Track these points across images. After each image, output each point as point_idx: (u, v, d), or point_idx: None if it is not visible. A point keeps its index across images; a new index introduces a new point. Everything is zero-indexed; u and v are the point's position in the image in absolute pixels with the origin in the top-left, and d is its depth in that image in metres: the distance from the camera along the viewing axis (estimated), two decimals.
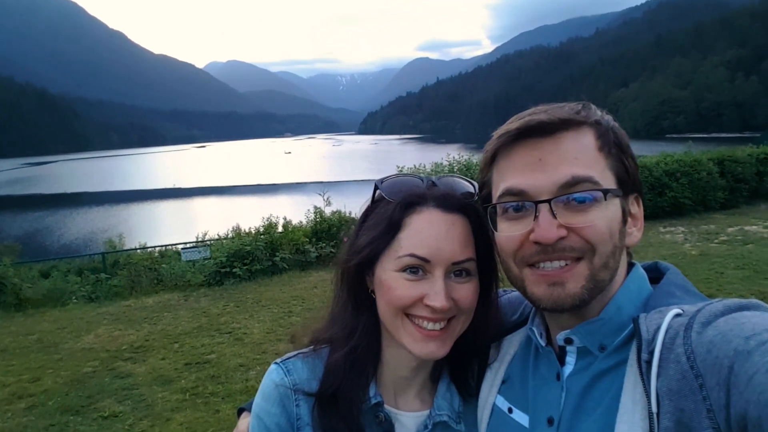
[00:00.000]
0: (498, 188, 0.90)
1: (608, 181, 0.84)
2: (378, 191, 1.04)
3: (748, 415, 0.62)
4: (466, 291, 0.97)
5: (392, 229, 0.98)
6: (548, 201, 0.83)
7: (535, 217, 0.84)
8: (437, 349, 0.96)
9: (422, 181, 1.04)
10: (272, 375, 1.04)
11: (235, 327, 7.93)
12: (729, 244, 10.30)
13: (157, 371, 6.43)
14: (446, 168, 14.11)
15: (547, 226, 0.82)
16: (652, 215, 13.45)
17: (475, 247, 0.99)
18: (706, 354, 0.69)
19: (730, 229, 11.65)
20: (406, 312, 0.96)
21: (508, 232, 0.88)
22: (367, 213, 1.05)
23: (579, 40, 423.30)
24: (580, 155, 0.84)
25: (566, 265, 0.84)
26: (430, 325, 0.95)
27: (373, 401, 1.01)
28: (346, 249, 1.05)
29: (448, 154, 15.40)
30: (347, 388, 1.00)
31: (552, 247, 0.83)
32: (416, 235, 0.96)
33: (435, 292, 0.93)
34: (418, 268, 0.95)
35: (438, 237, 0.95)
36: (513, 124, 0.87)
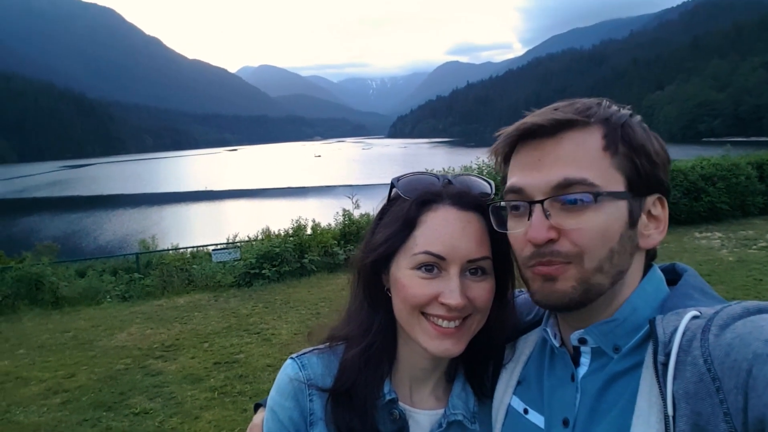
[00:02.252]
0: (505, 185, 0.92)
1: (612, 181, 0.82)
2: (394, 189, 1.04)
3: (766, 418, 0.61)
4: (482, 290, 0.96)
5: (408, 226, 0.97)
6: (541, 201, 0.83)
7: (529, 216, 0.84)
8: (452, 347, 0.95)
9: (438, 179, 1.04)
10: (287, 369, 1.07)
11: (263, 327, 8.03)
12: None
13: (187, 370, 6.56)
14: (476, 172, 13.98)
15: (538, 226, 0.82)
16: (687, 220, 13.11)
17: (491, 246, 0.98)
18: (724, 357, 0.68)
19: None
20: (421, 310, 0.96)
21: (512, 230, 0.90)
22: (384, 211, 1.05)
23: (612, 43, 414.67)
24: (579, 156, 0.83)
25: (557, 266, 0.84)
26: (445, 323, 0.95)
27: (388, 398, 1.01)
28: (363, 247, 1.06)
29: (478, 157, 15.24)
30: (362, 385, 1.00)
31: (542, 250, 0.83)
32: (432, 233, 0.96)
33: (450, 289, 0.93)
34: (433, 265, 0.95)
35: (453, 234, 0.95)
36: (517, 124, 0.88)
